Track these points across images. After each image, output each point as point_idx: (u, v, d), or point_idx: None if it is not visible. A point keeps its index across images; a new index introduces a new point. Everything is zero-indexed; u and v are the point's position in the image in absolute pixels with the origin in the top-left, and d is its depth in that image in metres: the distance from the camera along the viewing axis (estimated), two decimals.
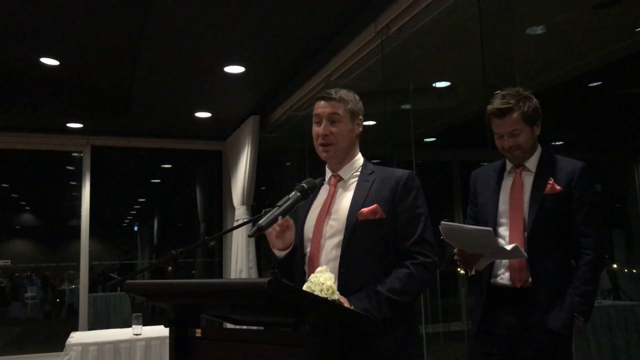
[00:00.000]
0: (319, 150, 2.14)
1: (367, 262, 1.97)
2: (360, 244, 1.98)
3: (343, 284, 1.92)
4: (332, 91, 2.14)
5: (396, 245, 2.00)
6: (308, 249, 2.07)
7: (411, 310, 2.03)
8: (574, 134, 7.13)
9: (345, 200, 2.07)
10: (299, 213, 2.16)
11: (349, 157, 2.15)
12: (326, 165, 2.21)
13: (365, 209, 2.00)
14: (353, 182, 2.11)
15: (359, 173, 2.13)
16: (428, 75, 5.60)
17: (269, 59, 5.13)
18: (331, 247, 2.01)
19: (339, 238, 2.01)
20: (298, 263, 2.12)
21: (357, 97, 2.19)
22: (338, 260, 1.98)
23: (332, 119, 2.09)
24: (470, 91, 5.77)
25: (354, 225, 1.99)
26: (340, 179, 2.15)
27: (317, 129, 2.12)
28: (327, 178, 2.20)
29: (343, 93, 2.14)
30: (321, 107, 2.12)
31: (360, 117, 2.17)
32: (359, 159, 2.18)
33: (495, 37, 4.03)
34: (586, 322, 2.31)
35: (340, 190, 2.13)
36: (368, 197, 2.02)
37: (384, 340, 1.88)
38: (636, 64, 5.21)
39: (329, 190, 2.14)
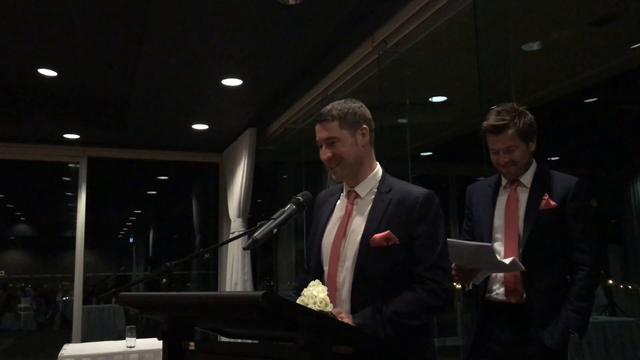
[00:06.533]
0: (332, 174, 2.06)
1: (381, 287, 1.90)
2: (373, 269, 1.91)
3: (355, 309, 1.88)
4: (325, 110, 2.04)
5: (410, 269, 1.92)
6: (326, 268, 2.02)
7: (426, 339, 1.96)
8: (570, 149, 7.16)
9: (359, 221, 1.99)
10: (318, 218, 2.13)
11: (362, 172, 2.05)
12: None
13: (377, 235, 1.91)
14: (369, 201, 2.02)
15: (376, 190, 2.03)
16: (424, 90, 5.63)
17: (267, 72, 5.15)
18: (347, 270, 1.96)
19: (352, 262, 1.95)
20: (315, 277, 2.04)
21: (357, 105, 2.06)
22: (349, 286, 1.93)
23: (329, 142, 2.01)
24: (466, 106, 5.80)
25: (367, 251, 1.92)
26: (357, 195, 2.06)
27: (321, 155, 2.06)
28: (345, 191, 2.11)
29: (336, 108, 2.02)
30: (317, 131, 2.05)
31: (364, 125, 2.04)
32: (377, 173, 2.07)
33: (491, 52, 4.06)
34: (581, 338, 2.30)
35: (356, 208, 2.04)
36: (382, 221, 1.94)
37: None
38: (631, 81, 5.25)
39: (346, 208, 2.06)
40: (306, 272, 2.18)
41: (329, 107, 2.05)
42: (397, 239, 1.91)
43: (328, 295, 1.81)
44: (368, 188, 2.05)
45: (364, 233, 1.95)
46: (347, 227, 2.01)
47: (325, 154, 2.02)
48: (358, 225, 1.99)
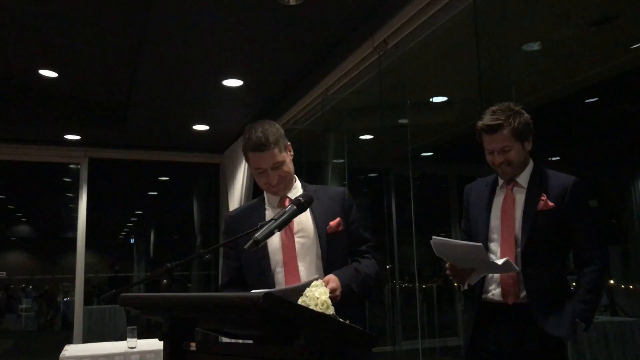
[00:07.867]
0: (271, 192, 2.25)
1: (340, 267, 2.16)
2: (335, 254, 2.19)
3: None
4: (261, 140, 2.11)
5: (351, 249, 2.26)
6: (281, 268, 2.16)
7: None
8: (570, 149, 7.16)
9: (304, 218, 2.16)
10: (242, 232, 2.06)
11: (291, 181, 2.29)
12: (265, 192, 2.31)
13: (332, 223, 2.20)
14: None
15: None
16: (425, 90, 5.63)
17: (267, 73, 5.16)
18: (309, 262, 2.16)
19: (314, 253, 2.17)
20: (266, 282, 2.16)
21: (278, 126, 2.21)
22: (322, 272, 2.14)
23: (275, 166, 2.16)
24: (467, 106, 5.79)
25: (327, 239, 2.18)
26: (290, 200, 2.18)
27: (262, 180, 2.20)
28: (269, 199, 2.28)
29: (271, 135, 2.13)
30: (260, 160, 2.14)
31: (288, 143, 2.24)
32: (297, 179, 2.32)
33: (491, 53, 4.06)
34: (586, 330, 2.28)
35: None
36: (327, 212, 2.21)
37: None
38: (632, 81, 5.26)
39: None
40: (243, 288, 2.30)
41: (260, 135, 2.12)
42: (343, 225, 2.23)
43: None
44: (297, 193, 2.24)
45: (317, 225, 2.19)
46: (292, 226, 2.17)
47: (273, 178, 2.17)
48: (304, 221, 2.18)
